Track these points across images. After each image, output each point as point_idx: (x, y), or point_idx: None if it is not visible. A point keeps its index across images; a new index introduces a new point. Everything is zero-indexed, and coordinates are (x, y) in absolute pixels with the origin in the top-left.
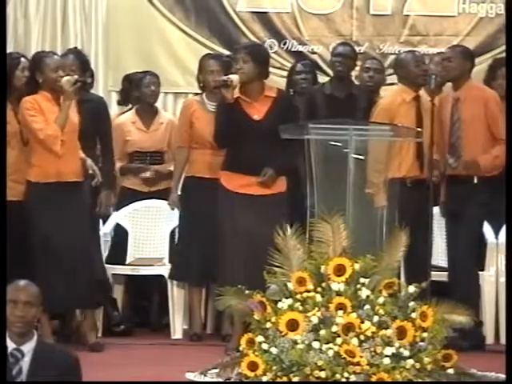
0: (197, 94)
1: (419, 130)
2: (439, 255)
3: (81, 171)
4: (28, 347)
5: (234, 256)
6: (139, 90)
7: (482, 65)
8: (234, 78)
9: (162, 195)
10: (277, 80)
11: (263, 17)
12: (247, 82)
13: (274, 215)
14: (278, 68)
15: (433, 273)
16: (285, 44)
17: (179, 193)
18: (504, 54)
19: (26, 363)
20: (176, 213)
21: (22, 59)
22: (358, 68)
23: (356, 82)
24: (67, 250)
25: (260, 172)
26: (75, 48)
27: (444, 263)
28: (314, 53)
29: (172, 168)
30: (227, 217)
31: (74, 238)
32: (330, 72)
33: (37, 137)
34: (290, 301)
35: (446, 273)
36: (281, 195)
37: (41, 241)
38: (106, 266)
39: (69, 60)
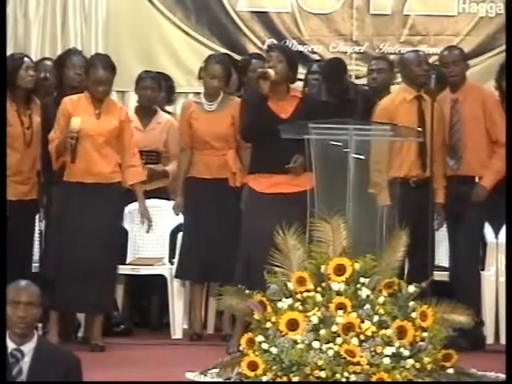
0: (197, 93)
1: (419, 129)
2: (440, 255)
3: (111, 174)
4: (28, 347)
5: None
6: (137, 91)
7: (481, 65)
8: (271, 72)
9: (158, 194)
10: None
11: (263, 16)
12: (278, 81)
13: (304, 212)
14: None
15: (434, 272)
16: (285, 44)
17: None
18: (504, 54)
19: (26, 363)
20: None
21: (26, 59)
22: (365, 70)
23: (356, 83)
24: (84, 250)
25: (287, 169)
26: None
27: (444, 263)
28: (314, 52)
29: (167, 168)
30: (257, 217)
31: (92, 239)
32: None
33: None
34: (290, 300)
35: (446, 272)
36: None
37: (58, 240)
38: None
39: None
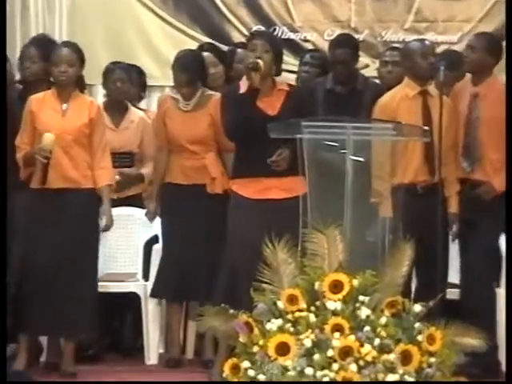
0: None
1: (426, 128)
2: (450, 270)
3: (80, 178)
4: None
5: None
6: (105, 84)
7: None
8: (261, 62)
9: (132, 202)
10: None
11: (250, 1)
12: (264, 73)
13: (298, 221)
14: None
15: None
16: (274, 31)
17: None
18: None
19: None
20: (152, 222)
21: None
22: (377, 61)
23: (365, 75)
24: (53, 266)
25: (278, 172)
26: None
27: (455, 279)
28: (307, 41)
29: (142, 171)
30: (245, 227)
31: (62, 254)
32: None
33: None
34: (279, 321)
35: (456, 290)
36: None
37: (22, 254)
38: None
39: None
